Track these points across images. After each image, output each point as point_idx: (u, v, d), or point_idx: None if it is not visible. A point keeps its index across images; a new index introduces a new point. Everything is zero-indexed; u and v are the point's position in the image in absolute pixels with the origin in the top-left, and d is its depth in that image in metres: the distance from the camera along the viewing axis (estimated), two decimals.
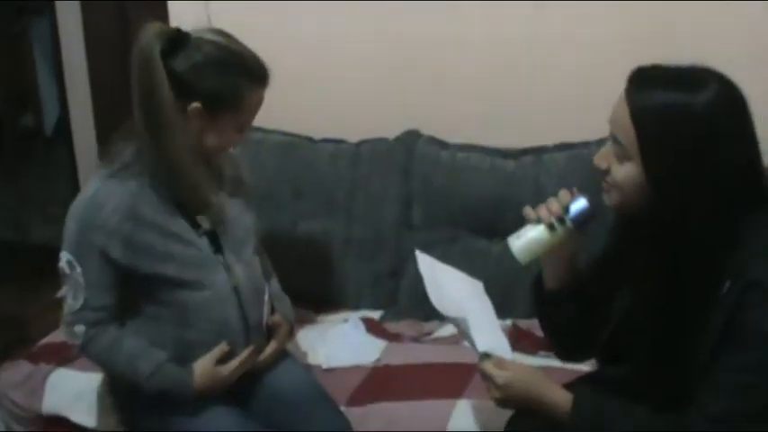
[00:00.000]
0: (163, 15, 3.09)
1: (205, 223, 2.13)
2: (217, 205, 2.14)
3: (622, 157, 1.61)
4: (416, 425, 2.23)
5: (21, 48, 5.62)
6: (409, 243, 2.68)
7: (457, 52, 2.91)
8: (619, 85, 1.62)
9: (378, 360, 2.52)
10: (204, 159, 2.10)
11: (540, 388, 1.73)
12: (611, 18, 2.72)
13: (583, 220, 1.75)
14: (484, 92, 2.91)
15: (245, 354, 2.13)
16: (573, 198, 1.76)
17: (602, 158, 1.67)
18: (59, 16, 3.90)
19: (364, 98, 3.02)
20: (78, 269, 2.04)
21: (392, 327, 2.70)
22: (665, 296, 1.62)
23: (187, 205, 2.10)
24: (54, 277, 2.13)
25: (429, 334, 2.66)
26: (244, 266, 2.16)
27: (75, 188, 3.88)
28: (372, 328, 2.69)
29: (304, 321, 2.71)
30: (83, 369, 2.46)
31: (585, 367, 2.12)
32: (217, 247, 2.13)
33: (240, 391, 2.17)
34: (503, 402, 1.77)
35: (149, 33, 1.98)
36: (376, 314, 2.79)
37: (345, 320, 2.75)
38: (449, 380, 2.33)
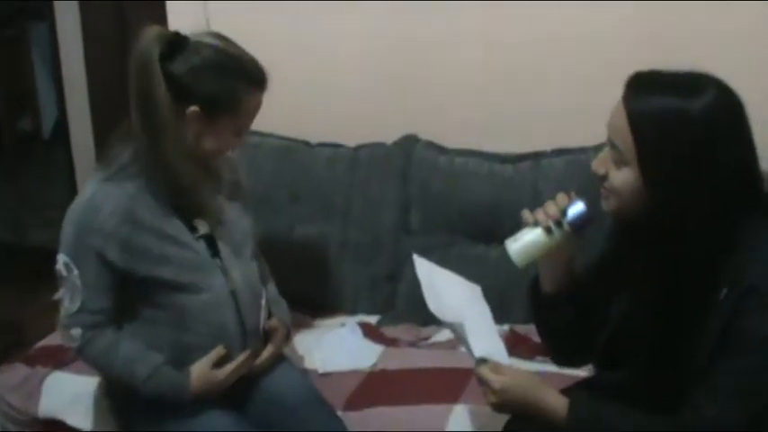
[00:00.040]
0: (161, 16, 3.09)
1: (202, 227, 2.13)
2: (214, 209, 2.14)
3: (620, 162, 1.61)
4: (413, 430, 2.23)
5: (19, 50, 5.63)
6: (407, 248, 2.68)
7: (455, 58, 2.91)
8: (617, 91, 1.63)
9: (375, 365, 2.51)
10: (202, 163, 2.10)
11: (537, 393, 1.73)
12: (609, 24, 2.72)
13: (580, 223, 1.75)
14: (482, 97, 2.91)
15: (241, 357, 2.13)
16: (571, 202, 1.76)
17: (600, 164, 1.67)
18: (58, 18, 3.89)
19: (362, 103, 3.02)
20: (75, 272, 2.04)
21: (389, 331, 2.70)
22: (662, 301, 1.62)
23: (184, 208, 2.10)
24: (51, 280, 2.13)
25: (426, 339, 2.66)
26: (241, 270, 2.16)
27: (72, 191, 3.87)
28: (369, 332, 2.69)
29: (301, 325, 2.71)
30: (79, 372, 2.45)
31: (582, 372, 2.12)
32: (214, 250, 2.13)
33: (237, 395, 2.17)
34: (499, 407, 1.77)
35: (148, 36, 1.98)
36: (373, 319, 2.79)
37: (342, 325, 2.75)
38: (446, 385, 2.33)
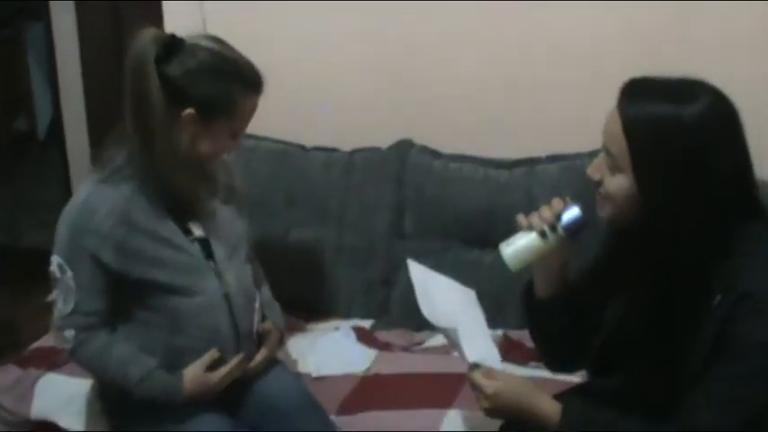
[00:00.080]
0: (157, 17, 3.09)
1: (197, 229, 2.13)
2: (209, 212, 2.14)
3: (615, 168, 1.62)
4: None
5: (15, 50, 5.62)
6: (401, 252, 2.68)
7: (451, 63, 2.91)
8: (613, 97, 1.63)
9: (368, 369, 2.51)
10: (197, 166, 2.10)
11: (530, 398, 1.73)
12: (605, 30, 2.73)
13: (575, 228, 1.75)
14: (477, 103, 2.91)
15: (235, 361, 2.13)
16: (566, 207, 1.76)
17: (596, 170, 1.67)
18: (54, 18, 3.89)
19: (358, 107, 3.02)
20: (69, 273, 2.04)
21: (383, 336, 2.70)
22: (656, 306, 1.62)
23: (179, 211, 2.10)
24: (45, 281, 2.12)
25: (420, 344, 2.66)
26: (235, 273, 2.16)
27: (67, 192, 3.87)
28: (363, 336, 2.69)
29: (294, 329, 2.71)
30: (72, 374, 2.45)
31: (576, 378, 2.12)
32: (208, 253, 2.13)
33: (230, 399, 2.16)
34: (492, 412, 1.76)
35: (144, 38, 1.98)
36: (367, 323, 2.79)
37: (336, 329, 2.74)
38: (439, 389, 2.33)
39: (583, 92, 2.72)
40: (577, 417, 1.69)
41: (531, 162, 2.75)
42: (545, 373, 2.11)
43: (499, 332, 2.56)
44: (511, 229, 1.80)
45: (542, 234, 1.76)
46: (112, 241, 2.02)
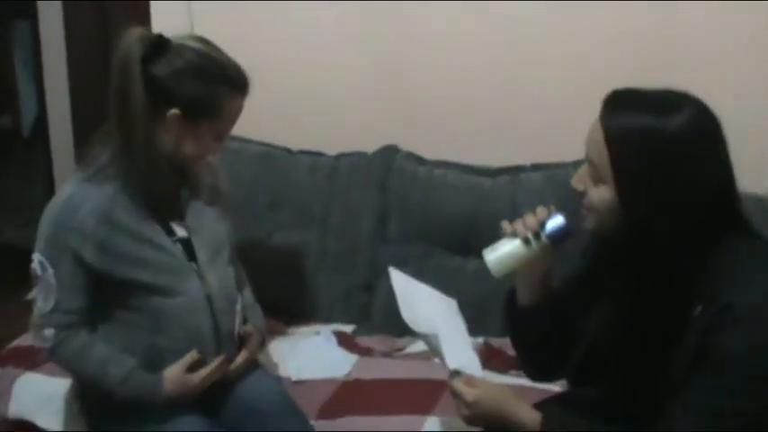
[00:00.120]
0: (145, 17, 3.08)
1: (180, 230, 2.12)
2: (191, 212, 2.14)
3: (597, 179, 1.62)
4: None
5: (1, 48, 5.59)
6: (384, 257, 2.68)
7: (437, 70, 2.92)
8: (597, 108, 1.63)
9: (348, 374, 2.51)
10: (181, 166, 2.10)
11: (510, 407, 1.73)
12: (589, 40, 2.74)
13: (559, 236, 1.75)
14: (462, 110, 2.92)
15: (215, 362, 2.12)
16: (550, 214, 1.77)
17: (579, 180, 1.67)
18: (41, 17, 3.87)
19: (344, 112, 3.03)
20: (50, 270, 2.03)
21: (364, 341, 2.70)
22: (638, 316, 1.62)
23: (162, 211, 2.09)
24: (26, 280, 2.11)
25: (401, 350, 2.66)
26: (217, 275, 2.15)
27: (50, 190, 3.85)
28: (344, 341, 2.68)
29: (275, 332, 2.70)
30: (51, 374, 2.44)
31: (556, 387, 2.12)
32: (191, 254, 2.13)
33: (210, 400, 2.16)
34: (471, 420, 1.76)
35: (131, 38, 1.98)
36: (348, 328, 2.78)
37: (317, 333, 2.74)
38: (419, 396, 2.33)
39: (568, 101, 2.73)
40: (557, 426, 1.69)
41: (516, 170, 2.75)
42: (525, 382, 2.11)
43: (480, 340, 2.56)
44: (494, 237, 1.80)
45: (526, 241, 1.76)
46: (95, 240, 2.01)
